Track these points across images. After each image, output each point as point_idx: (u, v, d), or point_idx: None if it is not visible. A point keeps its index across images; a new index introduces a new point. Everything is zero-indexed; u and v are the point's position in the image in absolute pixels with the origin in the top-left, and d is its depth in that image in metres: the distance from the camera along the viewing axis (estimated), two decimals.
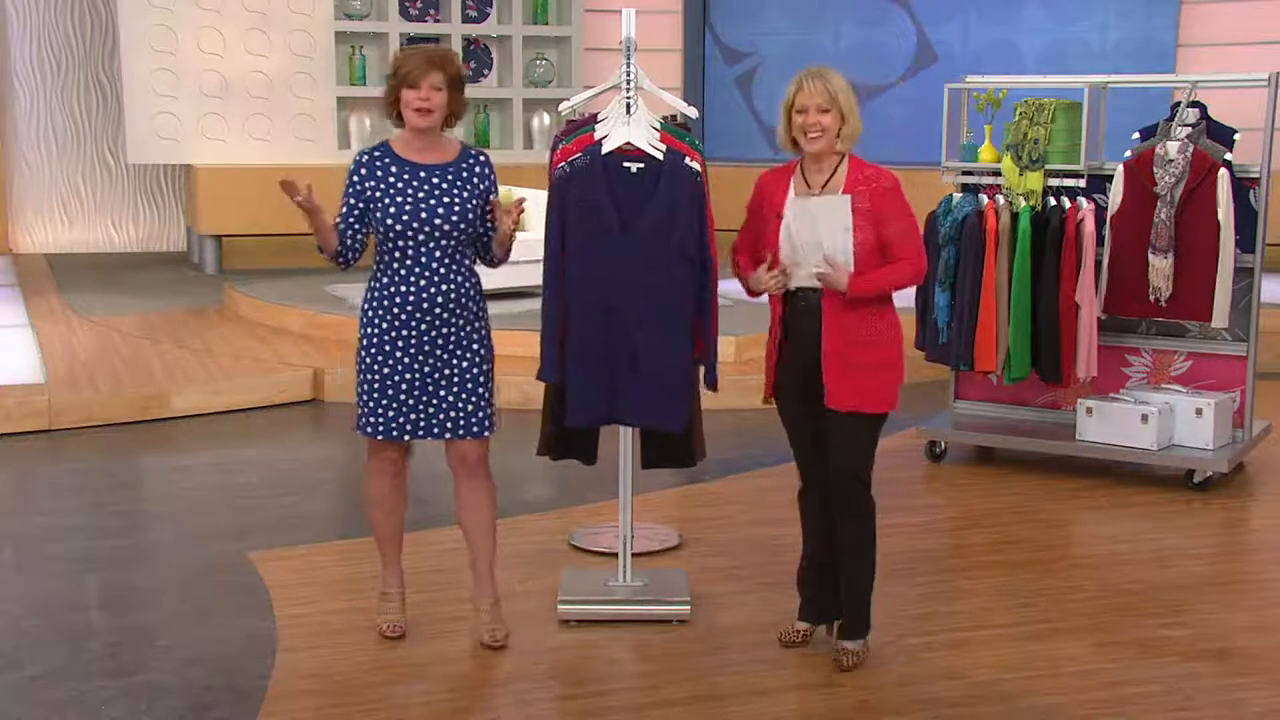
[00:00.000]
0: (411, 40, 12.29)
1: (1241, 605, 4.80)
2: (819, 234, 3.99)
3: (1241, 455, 6.26)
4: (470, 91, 4.39)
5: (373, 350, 4.18)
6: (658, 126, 4.36)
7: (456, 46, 11.94)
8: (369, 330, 4.19)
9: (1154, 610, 4.70)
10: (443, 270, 4.13)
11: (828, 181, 4.04)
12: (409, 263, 4.13)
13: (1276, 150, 6.07)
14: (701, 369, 4.46)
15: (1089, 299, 6.08)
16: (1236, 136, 6.01)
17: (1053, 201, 6.17)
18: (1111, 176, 6.19)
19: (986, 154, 6.47)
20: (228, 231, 11.79)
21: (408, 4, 12.26)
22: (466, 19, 12.39)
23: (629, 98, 4.34)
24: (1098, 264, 6.14)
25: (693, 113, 4.57)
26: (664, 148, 4.30)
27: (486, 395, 4.24)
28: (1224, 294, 5.96)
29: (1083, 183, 6.18)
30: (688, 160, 4.32)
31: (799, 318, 4.09)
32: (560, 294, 4.31)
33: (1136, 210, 6.07)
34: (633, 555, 4.71)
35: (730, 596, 4.77)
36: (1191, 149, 5.93)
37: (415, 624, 4.45)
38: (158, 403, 7.36)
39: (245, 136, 11.85)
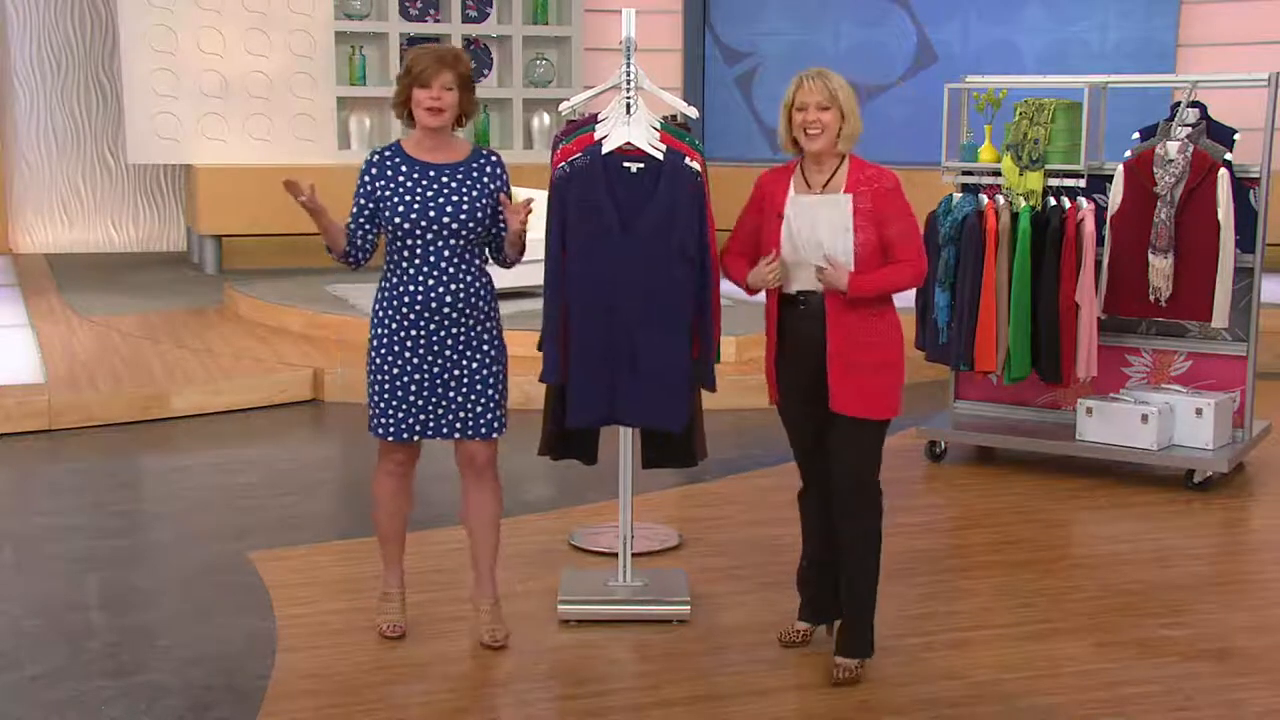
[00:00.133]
0: (412, 40, 12.30)
1: (1241, 605, 4.80)
2: (819, 233, 3.99)
3: (1241, 455, 6.26)
4: None
5: (382, 350, 4.18)
6: (658, 126, 4.36)
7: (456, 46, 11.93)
8: (379, 330, 4.19)
9: (1154, 610, 4.70)
10: (452, 270, 4.13)
11: (828, 182, 4.03)
12: (418, 262, 4.12)
13: (1276, 150, 6.07)
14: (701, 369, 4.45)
15: (1089, 299, 6.08)
16: (1236, 136, 6.01)
17: (1053, 201, 6.17)
18: (1111, 176, 6.19)
19: (986, 154, 6.48)
20: (228, 231, 11.79)
21: (408, 4, 12.26)
22: (466, 19, 12.39)
23: (629, 98, 4.34)
24: (1098, 264, 6.14)
25: (693, 113, 4.57)
26: (664, 148, 4.30)
27: (497, 396, 4.24)
28: (1224, 294, 5.96)
29: (1083, 183, 6.18)
30: (688, 160, 4.32)
31: (800, 321, 4.07)
32: (561, 294, 4.30)
33: (1136, 210, 6.07)
34: (633, 555, 4.71)
35: (730, 596, 4.77)
36: (1191, 149, 5.93)
37: (415, 624, 4.45)
38: (158, 403, 7.36)
39: (245, 136, 11.85)
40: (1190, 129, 5.97)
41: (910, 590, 4.80)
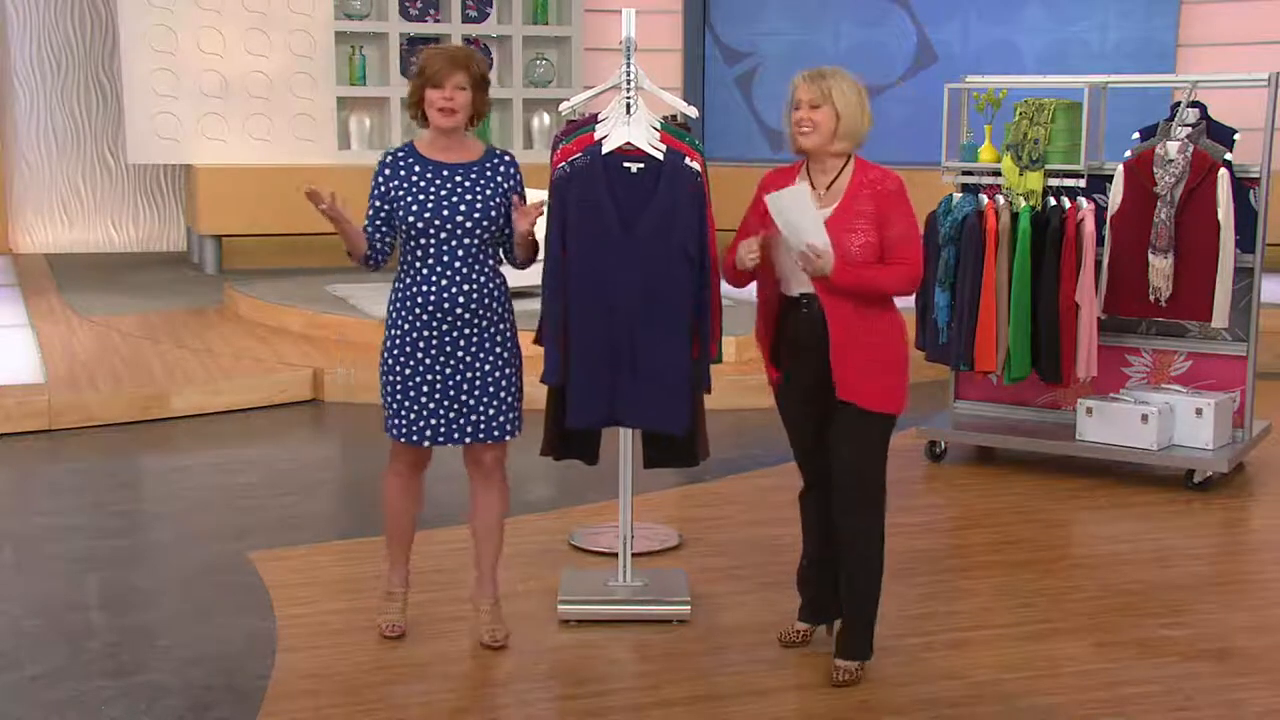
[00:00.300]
0: (412, 40, 12.31)
1: (1241, 605, 4.80)
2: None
3: (1241, 455, 6.26)
4: None
5: (395, 351, 4.17)
6: (658, 126, 4.36)
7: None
8: (392, 331, 4.19)
9: (1154, 610, 4.70)
10: (465, 270, 4.12)
11: (832, 183, 4.01)
12: (431, 261, 4.12)
13: (1276, 150, 6.07)
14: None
15: (1089, 299, 6.08)
16: (1236, 136, 6.01)
17: (1053, 201, 6.17)
18: (1111, 176, 6.19)
19: (986, 154, 6.48)
20: (228, 231, 11.80)
21: (408, 4, 12.26)
22: (466, 19, 12.39)
23: (629, 98, 4.34)
24: (1098, 264, 6.14)
25: (693, 112, 4.57)
26: (664, 148, 4.30)
27: (509, 399, 4.23)
28: (1224, 294, 5.96)
29: (1083, 183, 6.18)
30: (688, 160, 4.32)
31: (801, 324, 4.04)
32: (561, 295, 4.30)
33: (1136, 210, 6.07)
34: (633, 555, 4.71)
35: (730, 596, 4.77)
36: (1191, 149, 5.93)
37: (415, 624, 4.45)
38: (158, 403, 7.36)
39: (245, 136, 11.86)
40: (1190, 129, 5.97)
41: (910, 590, 4.80)
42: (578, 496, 5.85)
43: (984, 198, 6.28)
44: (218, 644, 4.35)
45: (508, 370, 4.22)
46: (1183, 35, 12.09)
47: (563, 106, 4.75)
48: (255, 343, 8.66)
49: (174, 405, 7.38)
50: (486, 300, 4.16)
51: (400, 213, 4.12)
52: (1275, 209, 6.44)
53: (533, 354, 4.41)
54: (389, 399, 4.21)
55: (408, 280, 4.16)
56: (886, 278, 3.95)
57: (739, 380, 7.41)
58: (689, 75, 13.23)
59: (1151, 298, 6.08)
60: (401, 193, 4.13)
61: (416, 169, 4.15)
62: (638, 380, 4.30)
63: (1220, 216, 5.92)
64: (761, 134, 13.26)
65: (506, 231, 4.20)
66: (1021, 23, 12.59)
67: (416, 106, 4.18)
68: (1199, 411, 6.10)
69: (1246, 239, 6.04)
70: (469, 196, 4.12)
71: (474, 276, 4.13)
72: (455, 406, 4.17)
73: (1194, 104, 6.01)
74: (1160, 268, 6.02)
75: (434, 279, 4.12)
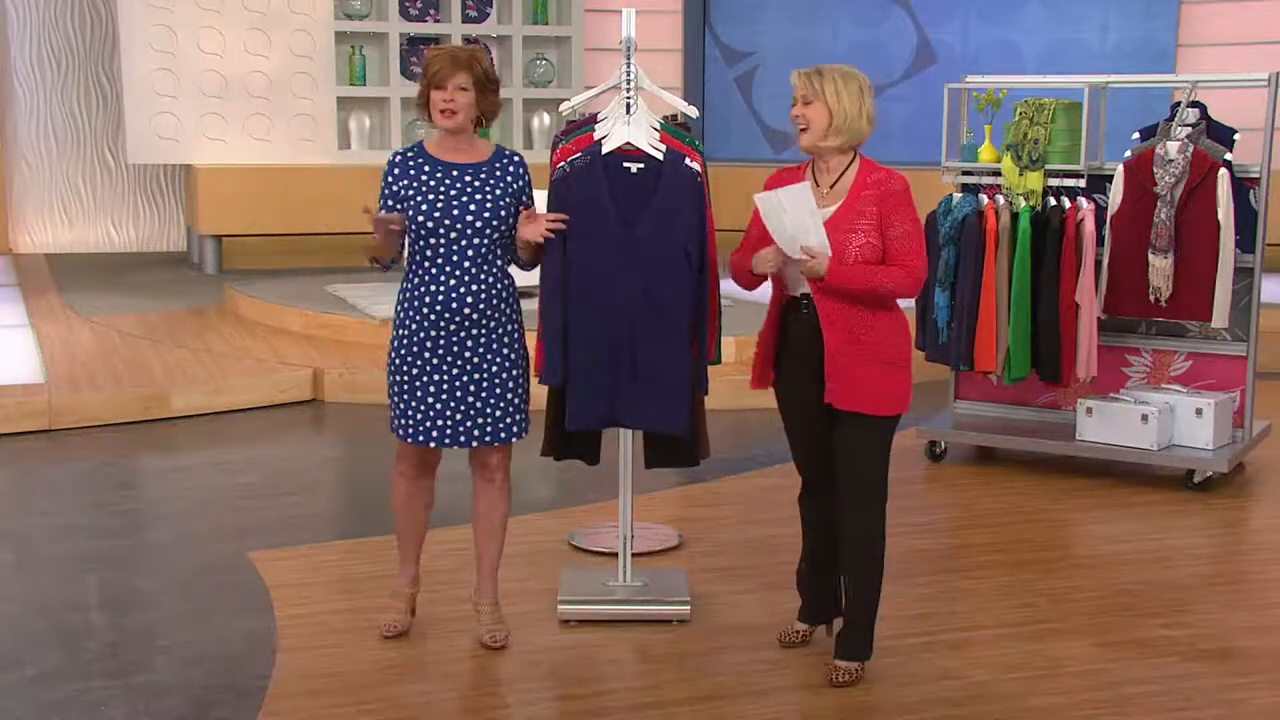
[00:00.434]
0: (412, 40, 12.31)
1: (1241, 605, 4.80)
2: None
3: (1241, 455, 6.26)
4: None
5: (402, 351, 4.17)
6: (658, 126, 4.36)
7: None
8: (400, 331, 4.19)
9: (1154, 610, 4.70)
10: (474, 270, 4.12)
11: (836, 182, 4.00)
12: (440, 261, 4.12)
13: (1276, 150, 6.07)
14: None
15: (1089, 299, 6.08)
16: (1236, 136, 6.01)
17: (1053, 201, 6.17)
18: (1111, 176, 6.19)
19: (986, 154, 6.48)
20: (228, 231, 11.80)
21: (408, 4, 12.26)
22: (466, 19, 12.39)
23: (629, 98, 4.34)
24: (1098, 264, 6.14)
25: (693, 112, 4.56)
26: (664, 148, 4.30)
27: (516, 401, 4.23)
28: (1224, 294, 5.96)
29: (1083, 183, 6.18)
30: (688, 161, 4.32)
31: (800, 325, 4.02)
32: (560, 295, 4.30)
33: (1136, 210, 6.07)
34: (633, 555, 4.71)
35: (730, 596, 4.77)
36: (1191, 149, 5.93)
37: (415, 624, 4.45)
38: (158, 403, 7.36)
39: (245, 136, 11.86)
40: (1190, 129, 5.97)
41: (910, 590, 4.80)
42: (578, 496, 5.85)
43: (984, 198, 6.28)
44: (218, 644, 4.35)
45: (515, 372, 4.22)
46: (1183, 35, 12.09)
47: (563, 106, 4.75)
48: (255, 343, 8.66)
49: (174, 405, 7.38)
50: (494, 301, 4.15)
51: (410, 212, 4.12)
52: (1275, 209, 6.45)
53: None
54: (395, 398, 4.21)
55: (415, 280, 4.16)
56: (886, 279, 3.91)
57: (739, 380, 7.39)
58: (689, 75, 13.24)
59: (1151, 298, 6.08)
60: (411, 192, 4.13)
61: (426, 169, 4.15)
62: (637, 380, 4.29)
63: (1220, 216, 5.92)
64: (761, 134, 13.26)
65: (514, 232, 4.20)
66: (1021, 23, 12.59)
67: (424, 107, 4.18)
68: (1199, 411, 6.10)
69: (1246, 239, 6.04)
70: (478, 197, 4.11)
71: (482, 277, 4.13)
72: (462, 408, 4.17)
73: (1194, 104, 6.01)
74: (1160, 268, 6.02)
75: (442, 279, 4.11)
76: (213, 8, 11.68)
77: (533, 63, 12.63)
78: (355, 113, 12.20)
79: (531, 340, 4.34)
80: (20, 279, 11.24)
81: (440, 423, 4.17)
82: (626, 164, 4.28)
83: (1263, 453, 6.54)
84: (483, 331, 4.15)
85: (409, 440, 4.22)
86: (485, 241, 4.13)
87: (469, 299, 4.11)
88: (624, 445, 4.63)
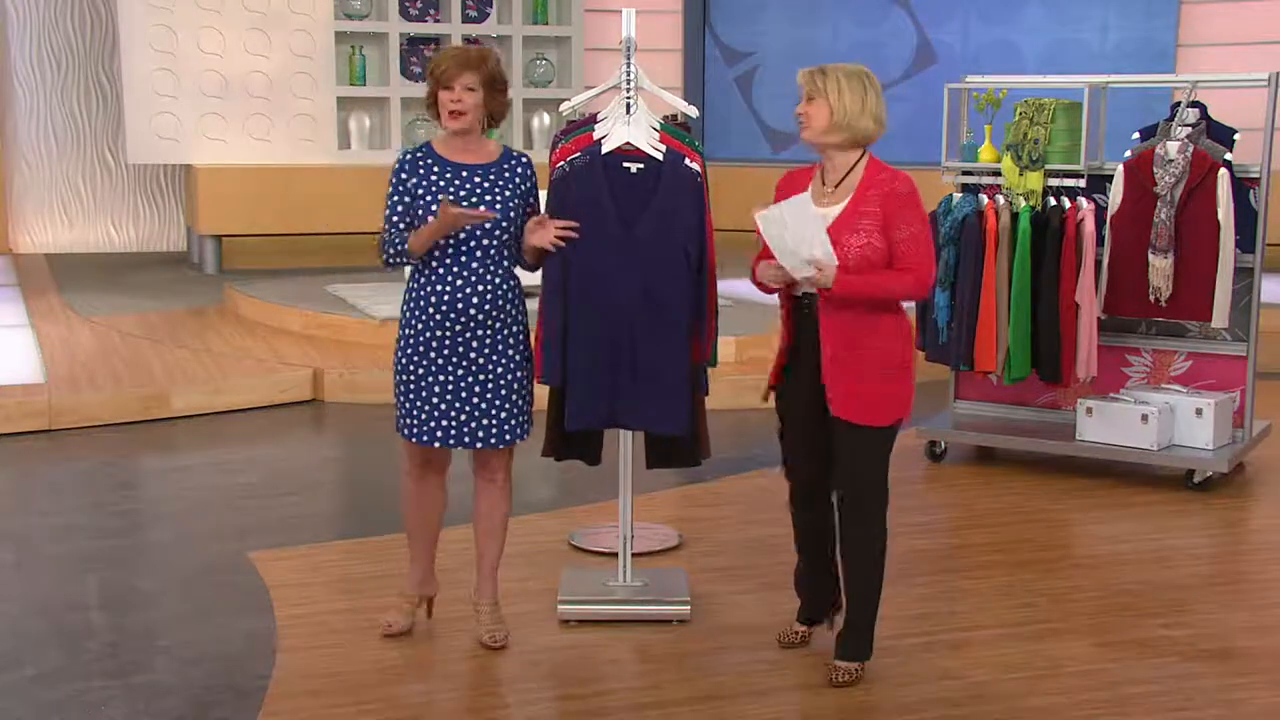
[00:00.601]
0: (412, 40, 12.32)
1: (1241, 605, 4.80)
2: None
3: (1241, 455, 6.26)
4: None
5: (408, 351, 4.17)
6: (657, 127, 4.36)
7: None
8: (406, 331, 4.19)
9: (1154, 610, 4.70)
10: (481, 271, 4.12)
11: (842, 181, 3.98)
12: (447, 262, 4.11)
13: (1276, 150, 6.07)
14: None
15: (1089, 299, 6.08)
16: (1236, 136, 6.01)
17: (1053, 201, 6.17)
18: (1111, 176, 6.19)
19: (986, 154, 6.48)
20: (228, 231, 11.80)
21: (408, 4, 12.26)
22: (466, 19, 12.39)
23: (629, 98, 4.34)
24: (1098, 264, 6.14)
25: (693, 112, 4.56)
26: (664, 148, 4.30)
27: (520, 402, 4.23)
28: (1224, 294, 5.96)
29: (1083, 183, 6.18)
30: (687, 161, 4.32)
31: (803, 325, 4.02)
32: (560, 295, 4.30)
33: (1136, 210, 6.07)
34: (633, 555, 4.71)
35: (730, 596, 4.77)
36: (1191, 149, 5.93)
37: (415, 624, 4.45)
38: (158, 403, 7.36)
39: (245, 136, 11.85)
40: (1190, 129, 5.97)
41: (910, 590, 4.80)
42: (578, 496, 5.85)
43: (984, 198, 6.28)
44: (218, 644, 4.35)
45: (519, 373, 4.22)
46: (1183, 35, 12.09)
47: (563, 106, 4.75)
48: (255, 343, 8.66)
49: (174, 405, 7.38)
50: (500, 302, 4.15)
51: (419, 212, 4.11)
52: (1275, 209, 6.44)
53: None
54: (401, 398, 4.21)
55: (422, 280, 4.15)
56: (892, 284, 3.90)
57: (739, 380, 7.41)
58: (689, 75, 13.24)
59: (1151, 298, 6.08)
60: (421, 191, 4.12)
61: (435, 169, 4.15)
62: (637, 381, 4.29)
63: (1220, 216, 5.92)
64: (761, 134, 13.26)
65: (521, 234, 4.20)
66: (1021, 23, 12.59)
67: (433, 108, 4.17)
68: (1199, 411, 6.10)
69: (1246, 239, 6.04)
70: (487, 198, 4.11)
71: (489, 278, 4.13)
72: (466, 409, 4.16)
73: (1194, 104, 6.01)
74: (1160, 268, 6.02)
75: (449, 279, 4.11)
76: (213, 8, 11.68)
77: (533, 63, 12.63)
78: (355, 113, 12.19)
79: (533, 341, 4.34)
80: (20, 279, 11.24)
81: (445, 423, 4.16)
82: (626, 164, 4.28)
83: (1263, 453, 6.53)
84: (488, 332, 4.15)
85: (413, 440, 4.22)
86: (493, 243, 4.13)
87: (475, 299, 4.11)
88: (624, 445, 4.63)
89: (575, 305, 4.28)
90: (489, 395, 4.17)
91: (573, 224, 4.18)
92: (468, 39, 12.24)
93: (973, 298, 6.18)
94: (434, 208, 4.07)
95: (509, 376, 4.19)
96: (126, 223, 13.19)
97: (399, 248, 4.11)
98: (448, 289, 4.11)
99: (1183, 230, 5.98)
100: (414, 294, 4.17)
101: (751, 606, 4.65)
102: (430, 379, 4.15)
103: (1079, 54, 12.22)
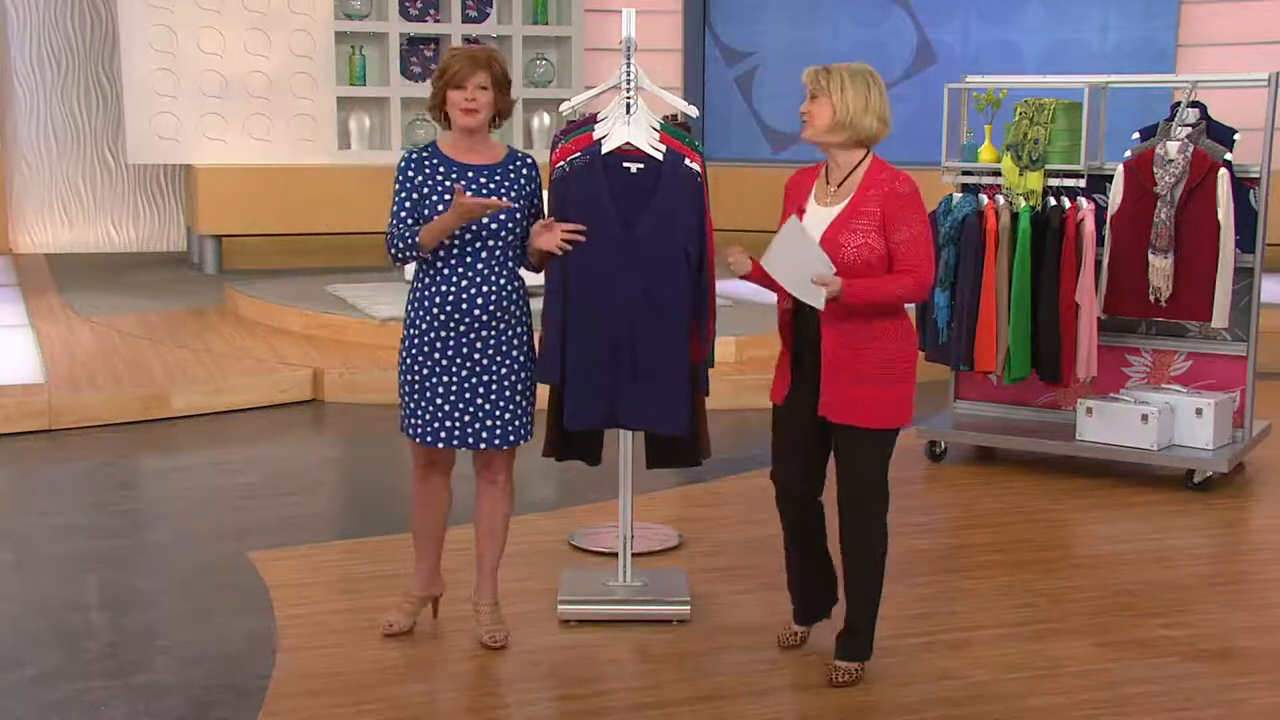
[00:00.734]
0: (412, 40, 12.31)
1: (1241, 605, 4.80)
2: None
3: (1241, 455, 6.26)
4: None
5: (413, 351, 4.17)
6: (657, 127, 4.36)
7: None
8: (410, 331, 4.18)
9: (1154, 610, 4.70)
10: (486, 272, 4.12)
11: (844, 180, 3.98)
12: (453, 263, 4.11)
13: (1276, 150, 6.07)
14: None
15: (1089, 299, 6.08)
16: (1236, 136, 6.01)
17: (1053, 201, 6.17)
18: (1111, 176, 6.19)
19: (986, 154, 6.48)
20: (228, 231, 11.80)
21: (408, 4, 12.26)
22: (466, 19, 12.39)
23: (629, 98, 4.34)
24: (1098, 264, 6.14)
25: (693, 112, 4.56)
26: (664, 148, 4.30)
27: (524, 403, 4.23)
28: (1224, 294, 5.96)
29: (1083, 183, 6.18)
30: (687, 161, 4.32)
31: (804, 328, 4.01)
32: (560, 295, 4.30)
33: (1136, 210, 6.07)
34: (633, 555, 4.71)
35: (730, 596, 4.77)
36: (1191, 149, 5.93)
37: (416, 624, 4.45)
38: (158, 403, 7.35)
39: (245, 136, 11.85)
40: (1190, 129, 5.97)
41: (910, 590, 4.80)
42: (578, 496, 5.85)
43: (984, 198, 6.28)
44: (218, 644, 4.35)
45: (523, 375, 4.22)
46: (1183, 35, 12.09)
47: (563, 106, 4.75)
48: (255, 343, 8.66)
49: (174, 405, 7.38)
50: (505, 303, 4.15)
51: (425, 212, 4.10)
52: (1275, 209, 6.45)
53: None
54: (405, 398, 4.21)
55: (427, 280, 4.15)
56: (893, 287, 3.89)
57: (739, 380, 7.41)
58: (689, 75, 13.23)
59: (1151, 298, 6.08)
60: (426, 190, 4.12)
61: (441, 169, 4.14)
62: (637, 380, 4.29)
63: (1220, 216, 5.92)
64: (761, 134, 13.26)
65: (526, 235, 4.19)
66: (1021, 23, 12.59)
67: (439, 109, 4.16)
68: (1199, 411, 6.10)
69: (1246, 239, 6.04)
70: (493, 199, 4.10)
71: (494, 279, 4.13)
72: (470, 410, 4.16)
73: (1194, 104, 6.01)
74: (1160, 268, 6.02)
75: (454, 279, 4.11)
76: (213, 8, 11.68)
77: (533, 63, 12.63)
78: (355, 113, 12.19)
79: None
80: (20, 279, 11.24)
81: (448, 423, 4.16)
82: (626, 164, 4.28)
83: (1263, 453, 6.53)
84: (493, 333, 4.15)
85: (416, 440, 4.21)
86: (499, 244, 4.12)
87: (480, 300, 4.11)
88: (624, 445, 4.63)
89: (575, 305, 4.28)
90: (492, 396, 4.17)
91: (579, 227, 4.18)
92: (468, 39, 12.24)
93: (973, 298, 6.18)
94: (440, 207, 4.07)
95: (513, 378, 4.19)
96: (126, 223, 13.19)
97: (408, 242, 4.09)
98: (453, 289, 4.11)
99: (1183, 230, 5.98)
100: (419, 294, 4.17)
101: (751, 606, 4.65)
102: (434, 379, 4.15)
103: (1079, 54, 12.21)
